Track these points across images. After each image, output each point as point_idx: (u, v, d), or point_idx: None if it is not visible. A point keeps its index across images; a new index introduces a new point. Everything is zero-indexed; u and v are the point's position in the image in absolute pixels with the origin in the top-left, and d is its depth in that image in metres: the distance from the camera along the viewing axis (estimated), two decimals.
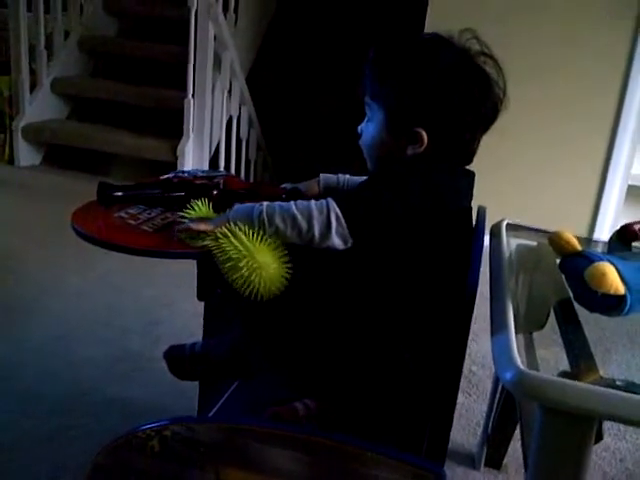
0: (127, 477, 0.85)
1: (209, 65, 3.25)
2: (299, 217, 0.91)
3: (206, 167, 3.42)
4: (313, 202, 0.92)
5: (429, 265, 0.97)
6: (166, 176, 1.17)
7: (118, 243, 0.96)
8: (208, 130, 3.38)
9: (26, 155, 3.72)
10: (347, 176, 1.24)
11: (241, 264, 0.90)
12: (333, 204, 0.91)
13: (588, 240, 1.89)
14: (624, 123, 2.82)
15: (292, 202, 0.93)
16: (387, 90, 1.01)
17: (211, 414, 1.23)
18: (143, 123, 3.77)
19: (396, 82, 1.00)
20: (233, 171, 3.52)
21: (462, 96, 0.98)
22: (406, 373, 0.97)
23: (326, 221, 0.91)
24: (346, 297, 0.98)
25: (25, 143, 3.70)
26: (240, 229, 0.91)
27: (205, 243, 0.92)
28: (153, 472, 0.84)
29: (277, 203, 0.94)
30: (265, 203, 0.94)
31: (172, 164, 3.37)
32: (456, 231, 1.01)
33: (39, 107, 3.73)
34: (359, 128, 1.08)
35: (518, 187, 2.98)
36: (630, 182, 2.93)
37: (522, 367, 0.67)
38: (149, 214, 1.07)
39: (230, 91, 3.41)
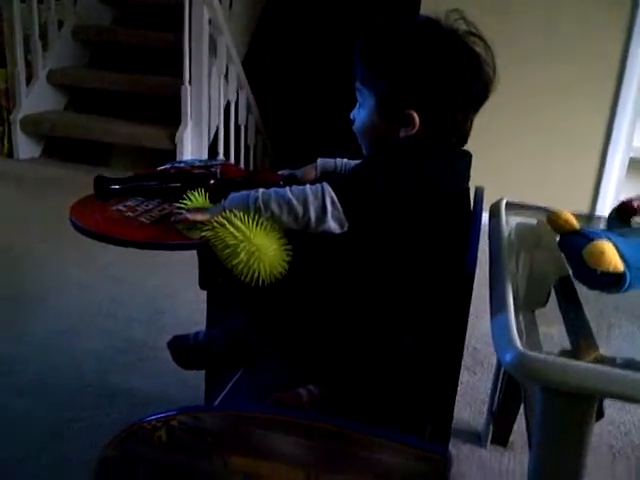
0: (135, 468, 0.86)
1: (205, 50, 3.23)
2: (294, 202, 0.91)
3: (205, 154, 3.41)
4: (308, 187, 0.93)
5: (427, 247, 0.97)
6: (163, 167, 1.17)
7: (116, 236, 0.96)
8: (206, 116, 3.37)
9: (25, 148, 3.71)
10: (345, 160, 1.24)
11: (239, 249, 0.90)
12: (328, 188, 0.91)
13: (588, 217, 1.88)
14: (624, 97, 2.80)
15: (287, 187, 0.94)
16: (377, 75, 1.01)
17: (216, 403, 1.23)
18: (141, 112, 3.76)
19: (386, 66, 0.99)
20: (232, 157, 3.51)
21: (453, 77, 0.98)
22: (406, 355, 0.97)
23: (322, 205, 0.91)
24: (345, 281, 0.98)
25: (24, 136, 3.69)
26: (236, 216, 0.91)
27: (203, 234, 0.92)
28: (161, 462, 0.85)
29: (273, 189, 0.94)
30: (260, 190, 0.94)
31: (171, 152, 3.36)
32: (453, 212, 1.01)
33: (36, 99, 3.72)
34: (351, 114, 1.08)
35: (518, 166, 2.97)
36: (632, 155, 2.91)
37: (521, 348, 0.67)
38: (147, 206, 1.07)
39: (227, 76, 3.38)
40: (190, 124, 3.34)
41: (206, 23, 3.18)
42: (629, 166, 2.92)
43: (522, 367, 0.67)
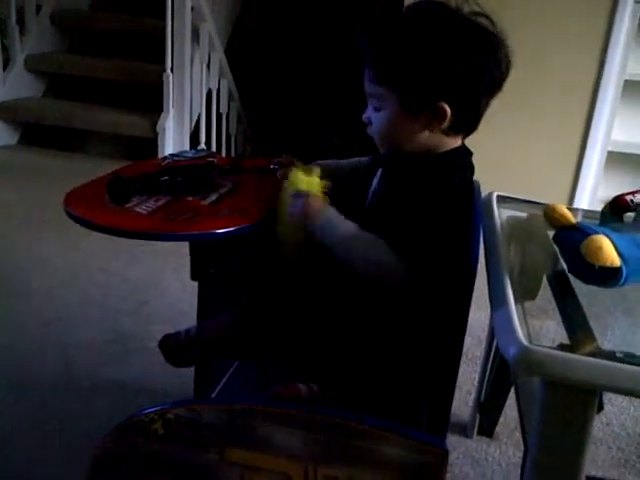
0: (132, 460, 0.85)
1: (187, 38, 3.19)
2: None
3: (187, 143, 3.38)
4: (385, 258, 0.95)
5: (438, 245, 0.97)
6: (166, 162, 1.16)
7: (116, 227, 0.96)
8: (188, 105, 3.33)
9: (2, 135, 3.64)
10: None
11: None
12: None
13: (580, 211, 1.90)
14: (603, 90, 2.83)
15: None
16: (398, 69, 0.96)
17: (213, 396, 1.23)
18: (121, 99, 3.70)
19: (408, 58, 0.95)
20: (214, 145, 3.49)
21: (477, 59, 0.95)
22: (415, 355, 0.97)
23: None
24: (354, 281, 0.97)
25: (0, 122, 3.62)
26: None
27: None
28: (158, 455, 0.85)
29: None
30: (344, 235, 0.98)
31: (151, 140, 3.32)
32: (461, 210, 1.01)
33: (13, 85, 3.65)
34: (364, 117, 1.04)
35: (498, 158, 2.98)
36: (610, 148, 2.94)
37: (526, 342, 0.68)
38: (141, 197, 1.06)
39: (209, 64, 3.36)
40: (172, 112, 3.30)
41: (189, 10, 3.14)
42: (607, 159, 2.96)
43: (526, 361, 0.67)
